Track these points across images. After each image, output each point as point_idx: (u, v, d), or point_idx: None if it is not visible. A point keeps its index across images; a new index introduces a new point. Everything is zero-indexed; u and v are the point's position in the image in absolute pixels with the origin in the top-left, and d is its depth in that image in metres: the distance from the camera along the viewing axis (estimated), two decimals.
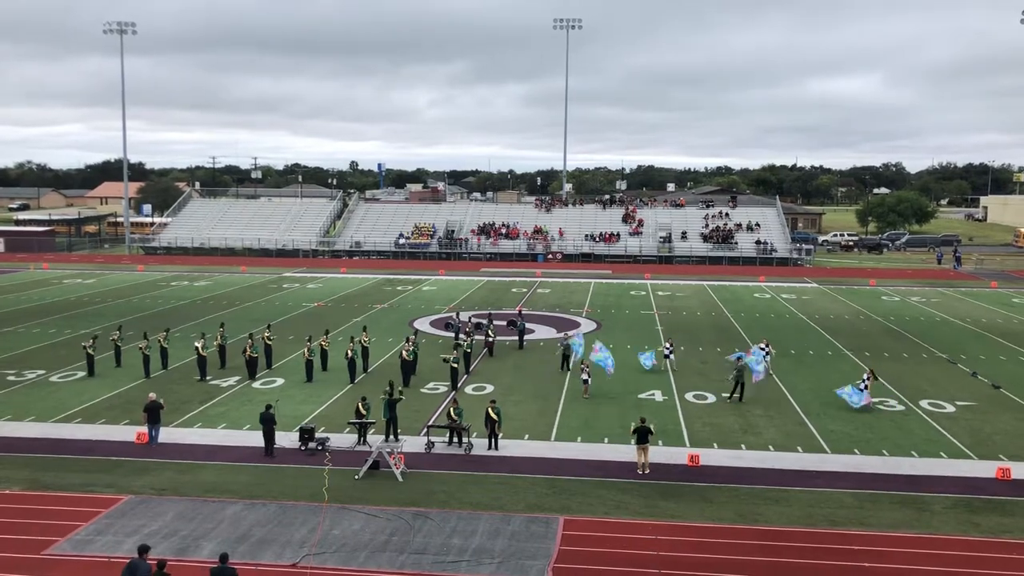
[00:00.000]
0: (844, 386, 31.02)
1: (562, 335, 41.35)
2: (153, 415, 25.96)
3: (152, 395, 26.85)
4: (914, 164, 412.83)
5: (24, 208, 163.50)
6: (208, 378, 33.78)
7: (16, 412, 29.34)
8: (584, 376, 31.93)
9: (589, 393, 31.57)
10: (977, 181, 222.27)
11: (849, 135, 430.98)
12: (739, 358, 32.48)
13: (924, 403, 31.17)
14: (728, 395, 31.38)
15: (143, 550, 15.66)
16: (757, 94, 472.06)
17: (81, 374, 34.60)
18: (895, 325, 48.42)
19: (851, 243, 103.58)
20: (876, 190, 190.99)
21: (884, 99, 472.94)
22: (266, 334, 37.10)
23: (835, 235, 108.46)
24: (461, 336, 38.67)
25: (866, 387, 30.36)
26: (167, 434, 26.68)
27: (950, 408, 30.60)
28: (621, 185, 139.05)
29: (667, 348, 36.82)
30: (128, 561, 15.70)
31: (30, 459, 24.61)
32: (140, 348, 34.71)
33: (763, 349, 35.38)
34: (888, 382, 33.87)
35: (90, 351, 34.79)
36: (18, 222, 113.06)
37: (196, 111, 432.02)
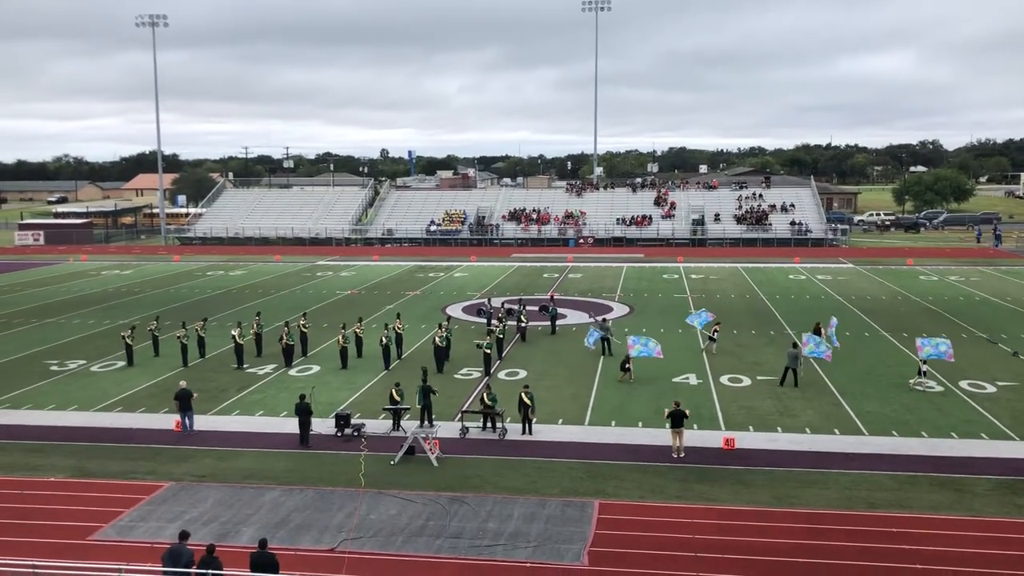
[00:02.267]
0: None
1: (593, 320, 41.15)
2: (184, 403, 26.27)
3: (183, 383, 27.20)
4: (952, 141, 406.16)
5: (62, 201, 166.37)
6: (245, 366, 34.19)
7: (59, 401, 29.95)
8: (629, 364, 31.68)
9: (628, 379, 31.33)
10: (1017, 157, 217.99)
11: (884, 113, 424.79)
12: (795, 345, 32.40)
13: (964, 383, 30.71)
14: (781, 380, 30.98)
15: (184, 536, 15.92)
16: (790, 73, 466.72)
17: (121, 364, 35.19)
18: (933, 305, 47.71)
19: (887, 223, 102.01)
20: (913, 168, 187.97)
21: (920, 75, 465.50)
22: (302, 322, 37.45)
23: (871, 215, 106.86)
24: (493, 322, 38.73)
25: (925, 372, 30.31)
26: (206, 421, 27.08)
27: (991, 388, 30.12)
28: (653, 168, 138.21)
29: (715, 332, 36.72)
30: (169, 547, 15.98)
31: (74, 447, 25.12)
32: (178, 337, 35.20)
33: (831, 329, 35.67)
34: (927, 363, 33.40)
35: (129, 341, 35.35)
36: (57, 215, 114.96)
37: (229, 103, 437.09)
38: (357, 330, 35.89)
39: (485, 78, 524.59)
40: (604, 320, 38.97)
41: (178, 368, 34.16)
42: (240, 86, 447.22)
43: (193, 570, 15.35)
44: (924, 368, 30.40)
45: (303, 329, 36.73)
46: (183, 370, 33.82)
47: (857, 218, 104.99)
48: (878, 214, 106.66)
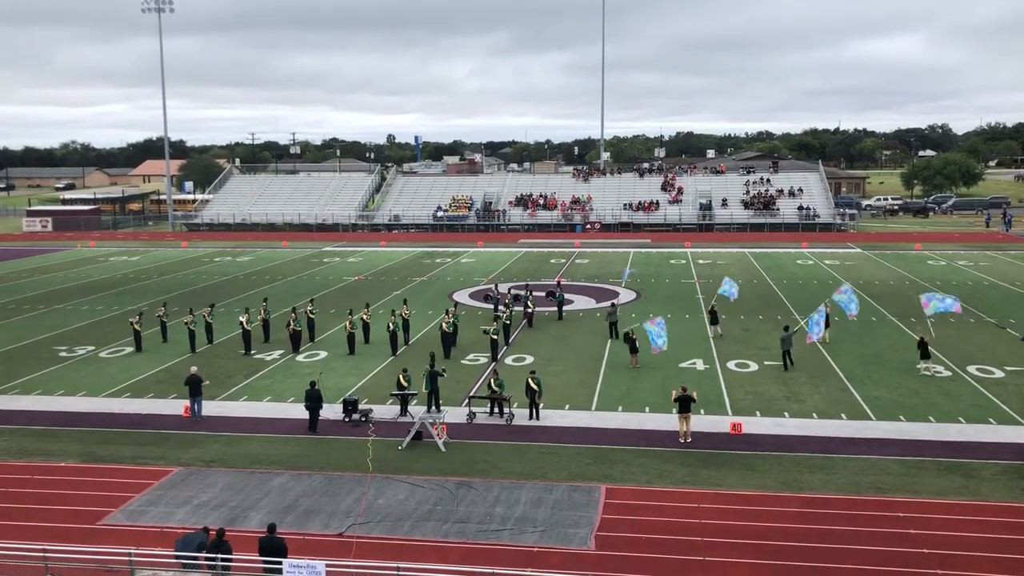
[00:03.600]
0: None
1: (607, 304, 41.11)
2: (194, 388, 26.34)
3: (193, 368, 27.29)
4: (961, 125, 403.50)
5: (70, 187, 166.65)
6: (252, 352, 34.28)
7: (68, 387, 30.10)
8: (635, 346, 31.64)
9: (638, 363, 31.38)
10: None
11: (893, 97, 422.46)
12: (786, 328, 32.41)
13: (972, 368, 30.62)
14: (784, 366, 30.98)
15: (206, 532, 16.01)
16: (799, 57, 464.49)
17: (129, 350, 35.32)
18: (942, 290, 47.48)
19: (894, 207, 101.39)
20: (922, 152, 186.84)
21: (929, 59, 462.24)
22: (309, 308, 37.52)
23: (877, 199, 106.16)
24: (500, 307, 38.72)
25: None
26: (214, 407, 27.18)
27: (999, 373, 30.03)
28: (660, 153, 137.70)
29: (714, 309, 36.88)
30: (184, 534, 16.09)
31: (83, 432, 25.26)
32: (186, 323, 35.29)
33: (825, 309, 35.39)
34: (935, 347, 33.25)
35: (137, 327, 35.45)
36: (64, 201, 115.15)
37: (237, 88, 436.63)
38: (364, 316, 35.93)
39: (493, 63, 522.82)
40: (612, 305, 38.97)
41: (186, 354, 34.27)
42: (248, 72, 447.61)
43: (202, 554, 15.47)
44: (930, 348, 30.26)
45: (310, 315, 36.79)
46: (191, 356, 33.94)
47: (865, 203, 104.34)
48: (885, 199, 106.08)
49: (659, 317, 31.83)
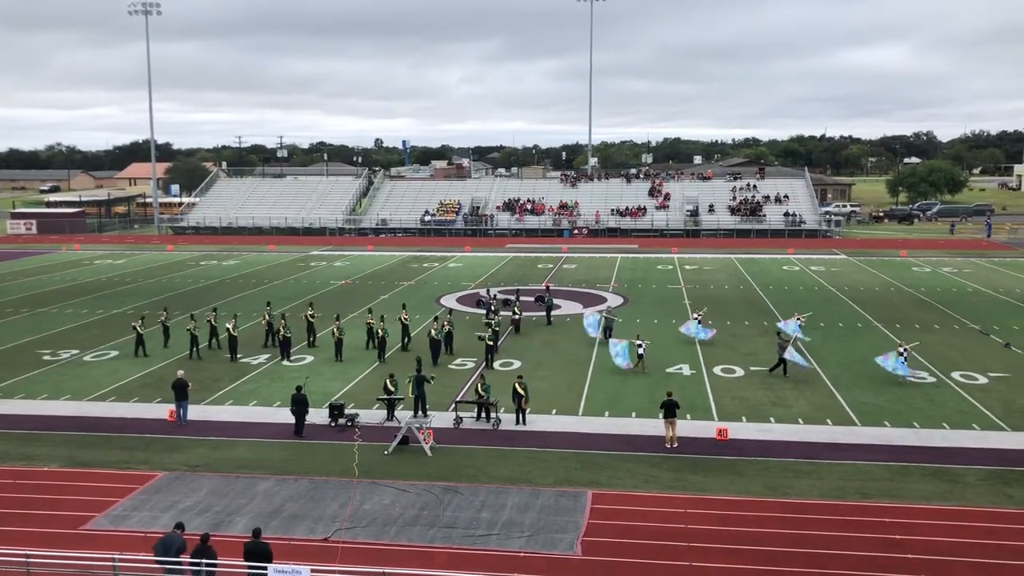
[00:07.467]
0: (886, 356, 30.40)
1: (603, 309, 41.15)
2: (180, 392, 26.18)
3: (180, 372, 27.13)
4: (946, 133, 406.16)
5: (55, 190, 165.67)
6: (239, 356, 34.09)
7: (52, 391, 29.87)
8: (640, 351, 31.70)
9: (644, 367, 31.46)
10: (1011, 149, 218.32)
11: (879, 104, 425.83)
12: (779, 332, 32.64)
13: (956, 375, 30.82)
14: (771, 368, 31.17)
15: (179, 527, 15.94)
16: (786, 65, 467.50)
17: (114, 353, 35.07)
18: (926, 296, 47.84)
19: (881, 213, 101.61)
20: (907, 160, 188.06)
21: (915, 67, 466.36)
22: (309, 311, 37.47)
23: (837, 205, 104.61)
24: (491, 313, 38.69)
25: (905, 359, 30.12)
26: (200, 411, 27.03)
27: (983, 379, 30.23)
28: (647, 158, 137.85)
29: (696, 316, 37.15)
30: (162, 536, 15.98)
31: (67, 437, 25.07)
32: (188, 329, 34.68)
33: (798, 321, 35.73)
34: (919, 354, 33.45)
35: (139, 330, 34.98)
36: (49, 204, 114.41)
37: (231, 92, 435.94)
38: (369, 321, 35.71)
39: (485, 69, 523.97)
40: (609, 310, 39.13)
41: (171, 358, 34.05)
42: (242, 76, 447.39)
43: (186, 559, 15.37)
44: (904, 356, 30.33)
45: (310, 318, 36.64)
46: (176, 360, 33.69)
47: (823, 209, 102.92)
48: (845, 205, 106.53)
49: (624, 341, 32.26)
